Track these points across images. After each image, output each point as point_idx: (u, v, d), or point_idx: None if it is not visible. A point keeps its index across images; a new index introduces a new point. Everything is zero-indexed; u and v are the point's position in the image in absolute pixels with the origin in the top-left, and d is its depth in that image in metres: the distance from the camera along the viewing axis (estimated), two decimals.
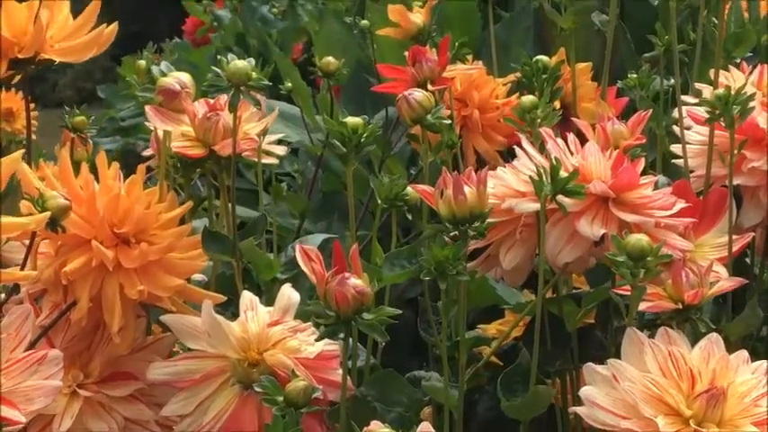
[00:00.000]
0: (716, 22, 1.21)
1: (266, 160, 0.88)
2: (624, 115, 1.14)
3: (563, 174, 0.69)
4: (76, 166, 0.91)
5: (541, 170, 0.69)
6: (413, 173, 1.18)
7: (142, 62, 0.79)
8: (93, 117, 1.01)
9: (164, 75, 0.75)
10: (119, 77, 2.85)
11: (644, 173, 0.92)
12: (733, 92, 0.75)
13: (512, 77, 1.08)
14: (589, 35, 1.16)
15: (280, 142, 1.41)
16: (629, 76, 1.06)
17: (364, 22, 1.18)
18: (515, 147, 0.78)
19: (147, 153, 0.91)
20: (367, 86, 1.31)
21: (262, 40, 2.52)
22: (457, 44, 1.00)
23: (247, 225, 0.77)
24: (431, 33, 1.16)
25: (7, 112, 1.86)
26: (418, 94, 0.76)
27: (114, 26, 0.84)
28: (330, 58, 1.07)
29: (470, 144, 1.10)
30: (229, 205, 0.77)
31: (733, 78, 0.88)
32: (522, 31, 1.29)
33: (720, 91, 0.74)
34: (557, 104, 1.05)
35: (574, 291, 0.90)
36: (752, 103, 0.74)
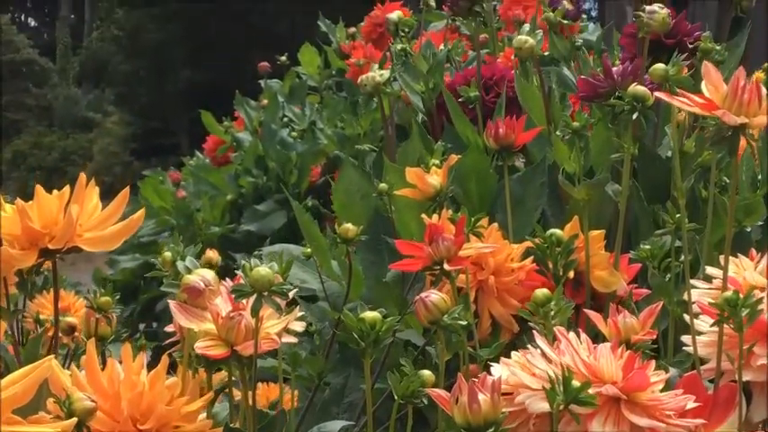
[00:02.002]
0: (727, 181, 1.24)
1: (286, 339, 0.90)
2: (638, 277, 1.17)
3: (575, 383, 0.70)
4: (100, 343, 0.95)
5: (554, 377, 0.71)
6: None
7: (168, 254, 0.82)
8: None
9: (189, 271, 0.77)
10: (140, 195, 2.91)
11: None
12: (743, 292, 0.77)
13: (527, 243, 1.10)
14: (602, 199, 1.19)
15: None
16: (641, 246, 1.08)
17: (382, 185, 1.21)
18: (529, 345, 0.80)
19: (169, 329, 0.93)
20: (385, 235, 1.34)
21: (281, 163, 2.57)
22: (473, 219, 1.02)
23: (266, 422, 0.79)
24: (448, 194, 1.19)
25: None
26: (435, 297, 0.79)
27: (141, 212, 0.87)
28: (349, 225, 1.09)
29: (485, 308, 1.12)
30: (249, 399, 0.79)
31: (742, 266, 0.90)
32: (537, 187, 1.32)
33: (729, 294, 0.76)
34: (570, 274, 1.08)
35: None
36: (760, 306, 0.76)
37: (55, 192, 0.85)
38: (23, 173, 17.91)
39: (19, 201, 0.83)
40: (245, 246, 2.41)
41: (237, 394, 0.88)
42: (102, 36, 17.80)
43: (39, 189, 0.84)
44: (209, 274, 0.77)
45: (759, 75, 2.01)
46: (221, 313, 0.77)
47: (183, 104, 14.33)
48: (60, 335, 1.13)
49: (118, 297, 1.03)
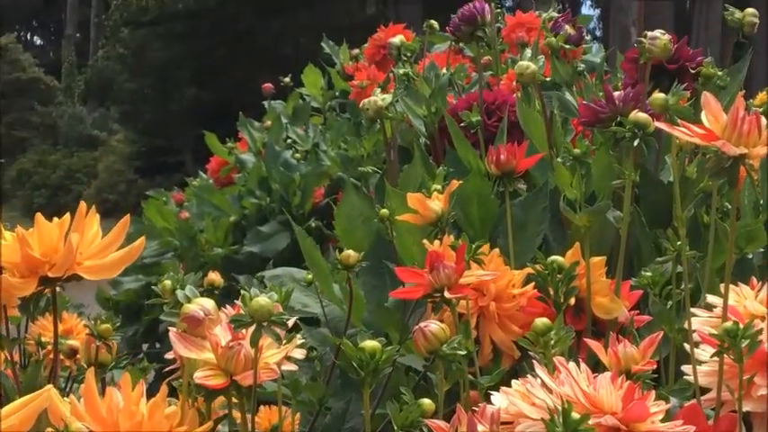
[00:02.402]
0: (729, 206, 1.24)
1: (286, 367, 0.89)
2: (640, 303, 1.17)
3: (575, 414, 0.70)
4: (101, 370, 0.95)
5: (553, 407, 0.71)
6: None
7: (168, 282, 0.82)
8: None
9: (188, 300, 0.77)
10: (144, 216, 2.91)
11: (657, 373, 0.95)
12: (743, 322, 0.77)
13: (528, 270, 1.10)
14: (604, 225, 1.18)
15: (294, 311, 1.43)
16: (642, 273, 1.08)
17: (384, 211, 1.21)
18: (529, 374, 0.80)
19: (169, 356, 0.93)
20: (387, 258, 1.34)
21: (284, 184, 2.57)
22: (474, 246, 1.02)
23: None
24: (449, 219, 1.19)
25: None
26: (434, 327, 0.79)
27: (142, 240, 0.87)
28: (350, 252, 1.09)
29: (486, 333, 1.11)
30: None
31: (742, 295, 0.90)
32: (538, 212, 1.32)
33: (729, 325, 0.76)
34: (571, 301, 1.08)
35: None
36: (760, 337, 0.76)
37: (55, 219, 0.85)
38: (28, 191, 17.96)
39: (19, 228, 0.83)
40: (248, 267, 2.41)
41: (239, 415, 0.88)
42: (107, 55, 17.87)
43: (39, 217, 0.84)
44: (209, 304, 0.77)
45: (762, 96, 2.01)
46: (221, 343, 0.77)
47: (188, 122, 14.38)
48: (62, 357, 1.13)
49: (119, 323, 1.03)
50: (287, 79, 3.05)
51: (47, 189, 17.85)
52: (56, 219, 0.85)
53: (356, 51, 2.84)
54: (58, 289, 0.88)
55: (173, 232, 2.83)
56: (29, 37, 32.93)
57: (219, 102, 13.73)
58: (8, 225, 0.88)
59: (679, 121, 0.80)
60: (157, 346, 2.98)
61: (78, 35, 26.57)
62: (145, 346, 3.02)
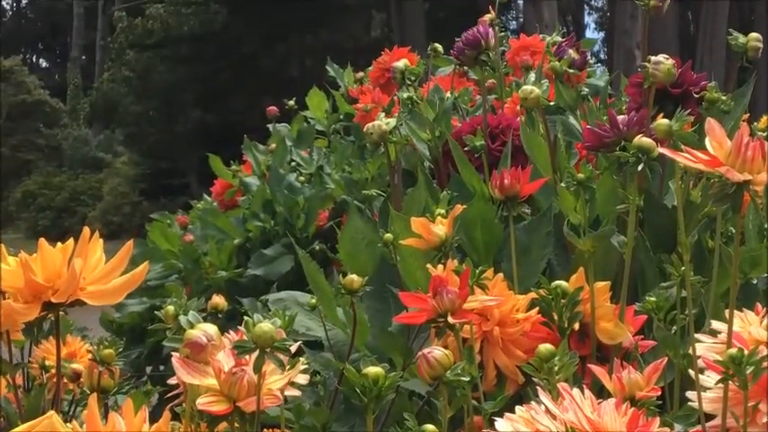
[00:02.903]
0: (733, 231, 1.24)
1: (289, 392, 0.89)
2: (645, 328, 1.16)
3: None
4: (103, 396, 0.94)
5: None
6: None
7: (171, 308, 0.82)
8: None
9: (191, 326, 0.77)
10: (148, 239, 2.90)
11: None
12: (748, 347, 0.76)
13: (533, 294, 1.10)
14: (608, 250, 1.18)
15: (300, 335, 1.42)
16: (647, 298, 1.07)
17: (388, 235, 1.21)
18: (533, 400, 0.79)
19: (171, 382, 0.92)
20: (390, 282, 1.34)
21: (288, 207, 2.57)
22: (478, 271, 1.02)
23: None
24: (453, 244, 1.19)
25: None
26: (437, 353, 0.79)
27: (145, 265, 0.87)
28: (354, 276, 1.09)
29: (490, 359, 1.11)
30: None
31: (747, 321, 0.89)
32: (542, 236, 1.32)
33: (733, 351, 0.76)
34: (575, 326, 1.08)
35: None
36: (765, 363, 0.76)
37: (59, 244, 0.85)
38: (33, 213, 17.99)
39: (22, 254, 0.83)
40: (251, 290, 2.40)
41: None
42: (112, 77, 17.92)
43: (42, 242, 0.84)
44: (212, 329, 0.77)
45: (765, 120, 2.01)
46: (224, 369, 0.77)
47: (193, 145, 14.42)
48: (66, 381, 1.13)
49: (122, 346, 1.02)
50: (291, 102, 3.05)
51: (51, 211, 17.87)
52: (59, 243, 0.85)
53: (361, 74, 2.85)
54: (61, 312, 0.88)
55: (177, 255, 2.82)
56: (34, 59, 33.07)
57: (224, 124, 13.78)
58: (12, 250, 0.88)
59: (683, 147, 0.80)
60: (161, 368, 2.98)
61: (84, 58, 26.69)
62: (148, 369, 3.02)
